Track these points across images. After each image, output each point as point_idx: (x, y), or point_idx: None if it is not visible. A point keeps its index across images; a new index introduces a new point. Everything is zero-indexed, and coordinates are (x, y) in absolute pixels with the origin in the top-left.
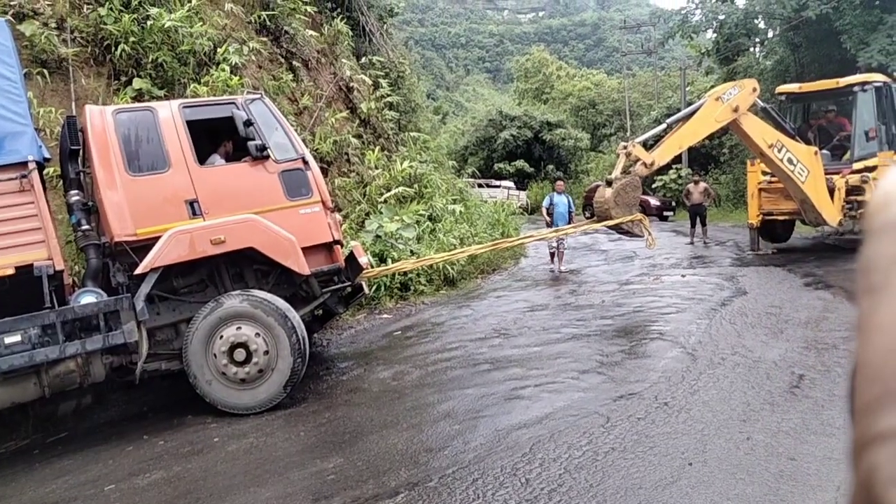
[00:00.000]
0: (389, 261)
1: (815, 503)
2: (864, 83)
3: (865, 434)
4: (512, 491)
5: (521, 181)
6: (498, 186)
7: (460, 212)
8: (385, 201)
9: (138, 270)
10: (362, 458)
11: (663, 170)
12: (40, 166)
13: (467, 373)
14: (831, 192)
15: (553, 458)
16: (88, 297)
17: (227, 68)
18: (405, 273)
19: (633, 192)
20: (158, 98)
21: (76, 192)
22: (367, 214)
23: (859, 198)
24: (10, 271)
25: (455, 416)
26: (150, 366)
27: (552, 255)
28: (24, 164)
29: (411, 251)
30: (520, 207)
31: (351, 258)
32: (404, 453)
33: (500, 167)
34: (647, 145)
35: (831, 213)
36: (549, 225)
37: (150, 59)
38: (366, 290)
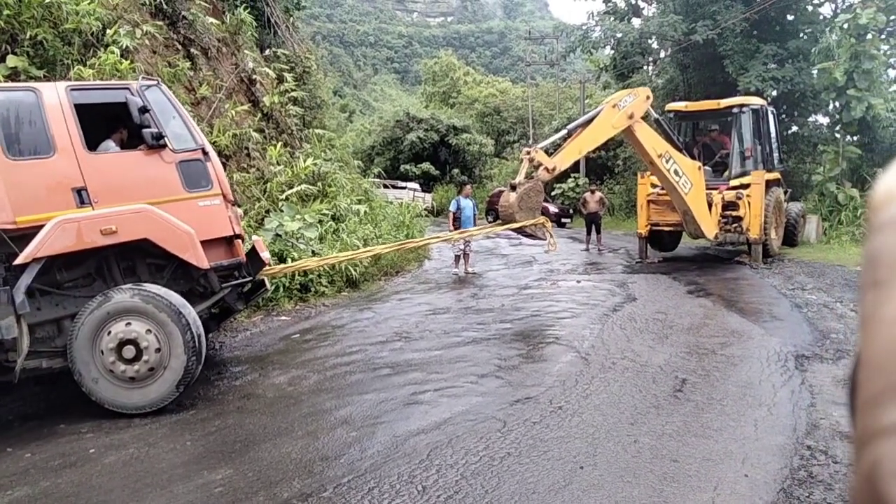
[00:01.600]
0: (290, 260)
1: (695, 503)
2: (742, 105)
3: (869, 428)
4: (408, 499)
5: (427, 184)
6: (404, 188)
7: (365, 212)
8: (286, 199)
9: (18, 261)
10: (253, 468)
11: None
12: None
13: (367, 377)
14: (710, 206)
15: (450, 465)
16: None
17: (117, 51)
18: (306, 273)
19: (536, 197)
20: (37, 79)
21: None
22: (268, 212)
23: (734, 213)
24: None
25: (353, 423)
26: (30, 363)
27: (457, 258)
28: None
29: (313, 251)
30: (425, 210)
31: (252, 253)
32: (298, 462)
33: (406, 169)
34: (549, 152)
35: (709, 226)
36: (454, 228)
37: (27, 36)
38: (267, 285)
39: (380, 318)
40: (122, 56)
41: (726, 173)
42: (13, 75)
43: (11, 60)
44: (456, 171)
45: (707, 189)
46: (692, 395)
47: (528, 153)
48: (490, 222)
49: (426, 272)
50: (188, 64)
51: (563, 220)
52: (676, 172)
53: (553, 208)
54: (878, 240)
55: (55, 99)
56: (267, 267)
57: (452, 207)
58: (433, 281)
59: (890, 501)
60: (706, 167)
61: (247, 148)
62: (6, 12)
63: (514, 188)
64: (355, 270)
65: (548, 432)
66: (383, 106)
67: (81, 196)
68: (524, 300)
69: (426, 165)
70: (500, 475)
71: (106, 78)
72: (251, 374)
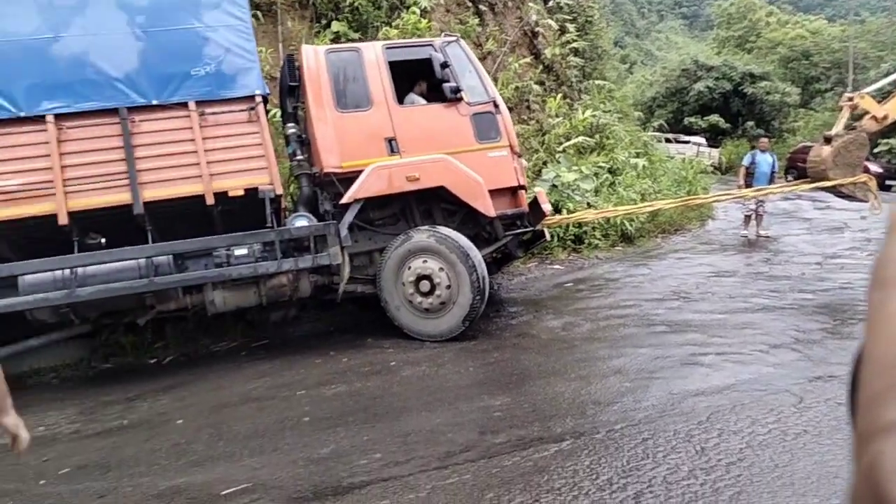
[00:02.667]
0: (564, 211)
1: None
2: None
3: (870, 425)
4: (685, 457)
5: (714, 138)
6: (687, 142)
7: (643, 166)
8: (564, 151)
9: (343, 200)
10: (528, 400)
11: (890, 131)
12: (264, 100)
13: (641, 332)
14: None
15: (733, 431)
16: (302, 221)
17: (417, 11)
18: (580, 225)
19: (858, 151)
20: (353, 40)
21: (292, 125)
22: (545, 163)
23: None
24: (240, 192)
25: (626, 374)
26: (349, 287)
27: (747, 217)
28: (252, 97)
29: (588, 203)
30: (710, 166)
31: (534, 204)
32: (571, 402)
33: (690, 121)
34: (877, 99)
35: None
36: (745, 186)
37: (347, 3)
38: (547, 236)
39: (655, 275)
40: (421, 16)
41: None
42: (336, 38)
43: (335, 26)
44: (750, 124)
45: None
46: None
47: (851, 99)
48: (790, 181)
49: (709, 232)
50: (477, 20)
51: (889, 181)
52: None
53: (875, 167)
54: (892, 244)
55: (373, 57)
56: (547, 218)
57: (746, 161)
58: (717, 242)
59: (890, 499)
60: None
61: (527, 100)
62: None
63: (828, 141)
64: (631, 225)
65: None
66: (667, 55)
67: (392, 145)
68: (831, 270)
69: (714, 118)
70: (794, 452)
71: (407, 36)
72: (526, 316)
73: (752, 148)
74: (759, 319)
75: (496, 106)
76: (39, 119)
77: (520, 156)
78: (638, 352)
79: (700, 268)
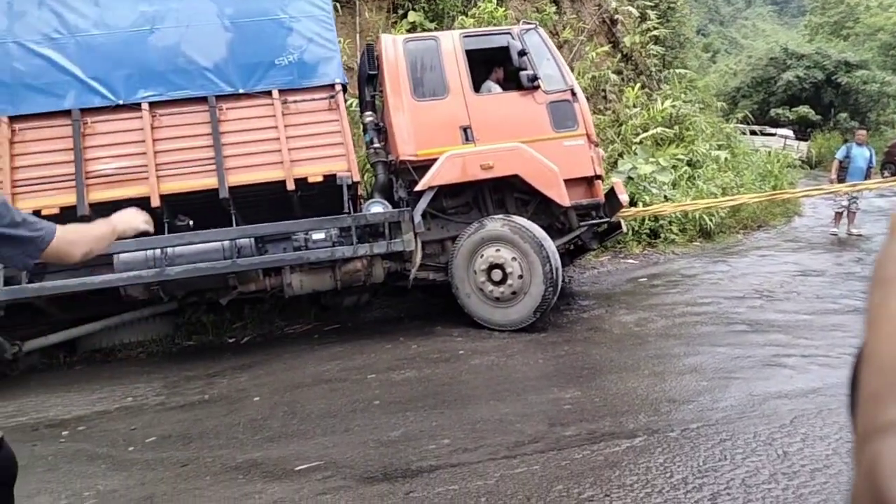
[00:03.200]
0: (640, 204)
1: None
2: None
3: (871, 424)
4: (766, 460)
5: (803, 130)
6: (773, 134)
7: (725, 159)
8: (640, 142)
9: (418, 187)
10: (599, 394)
11: None
12: (343, 88)
13: (720, 330)
14: None
15: (819, 436)
16: (377, 208)
17: (493, 0)
18: (656, 218)
19: None
20: (429, 30)
21: (370, 113)
22: (621, 155)
23: None
24: (319, 178)
25: (703, 372)
26: (420, 274)
27: (838, 215)
28: (332, 86)
29: (665, 196)
30: (798, 159)
31: (611, 194)
32: (644, 398)
33: (777, 113)
34: None
35: None
36: (837, 181)
37: None
38: (623, 228)
39: (736, 272)
40: (497, 4)
41: None
42: (412, 28)
43: (411, 16)
44: (843, 115)
45: None
46: None
47: None
48: (886, 176)
49: (795, 229)
50: (554, 8)
51: None
52: None
53: None
54: (893, 244)
55: (451, 46)
56: (623, 209)
57: (840, 155)
58: (803, 239)
59: (889, 498)
60: None
61: (604, 90)
62: None
63: None
64: (710, 220)
65: None
66: (754, 43)
67: (466, 134)
68: None
69: (803, 109)
70: None
71: (483, 25)
72: (598, 310)
73: (846, 141)
74: (850, 322)
75: (573, 94)
76: (135, 107)
77: (597, 145)
78: (716, 350)
79: (785, 266)
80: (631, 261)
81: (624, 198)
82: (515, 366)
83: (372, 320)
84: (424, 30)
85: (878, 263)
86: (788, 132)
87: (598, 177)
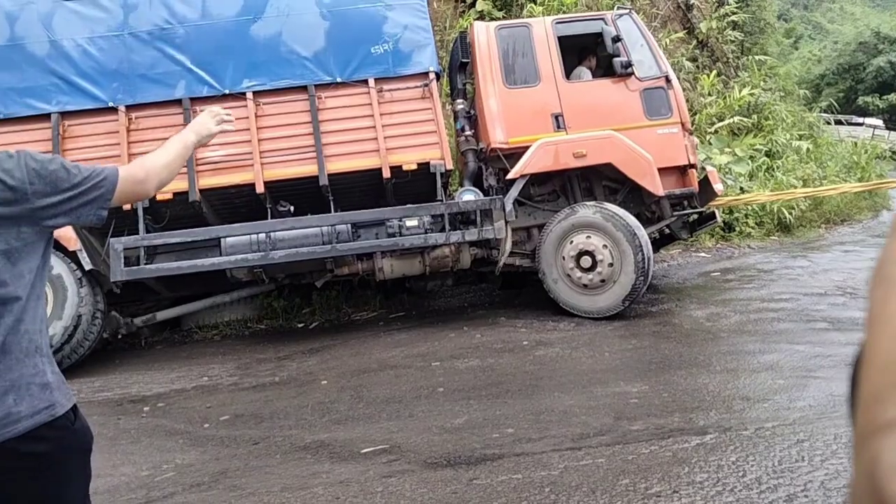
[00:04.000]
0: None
1: None
2: None
3: (871, 423)
4: (847, 463)
5: (894, 119)
6: (860, 124)
7: (807, 149)
8: (715, 132)
9: (510, 175)
10: (668, 389)
11: None
12: (437, 76)
13: (798, 328)
14: None
15: None
16: (469, 195)
17: None
18: (731, 211)
19: None
20: (497, 19)
21: (461, 101)
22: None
23: None
24: (413, 166)
25: (779, 370)
26: (507, 261)
27: None
28: (426, 74)
29: (741, 188)
30: (889, 150)
31: (705, 183)
32: (716, 395)
33: (866, 101)
34: None
35: None
36: None
37: None
38: (718, 218)
39: (817, 268)
40: None
41: None
42: (480, 18)
43: (479, 5)
44: None
45: None
46: None
47: None
48: None
49: (883, 224)
50: None
51: None
52: None
53: None
54: (894, 243)
55: (543, 32)
56: (717, 198)
57: None
58: None
59: (890, 496)
60: None
61: (678, 78)
62: None
63: None
64: (790, 213)
65: None
66: (841, 28)
67: (558, 121)
68: None
69: (895, 97)
70: None
71: (553, 13)
72: (667, 304)
73: None
74: None
75: (668, 81)
76: (240, 96)
77: (691, 133)
78: (794, 348)
79: (870, 262)
80: (703, 254)
81: (719, 187)
82: (581, 358)
83: (436, 309)
84: (492, 19)
85: (879, 262)
86: (878, 121)
87: (692, 165)
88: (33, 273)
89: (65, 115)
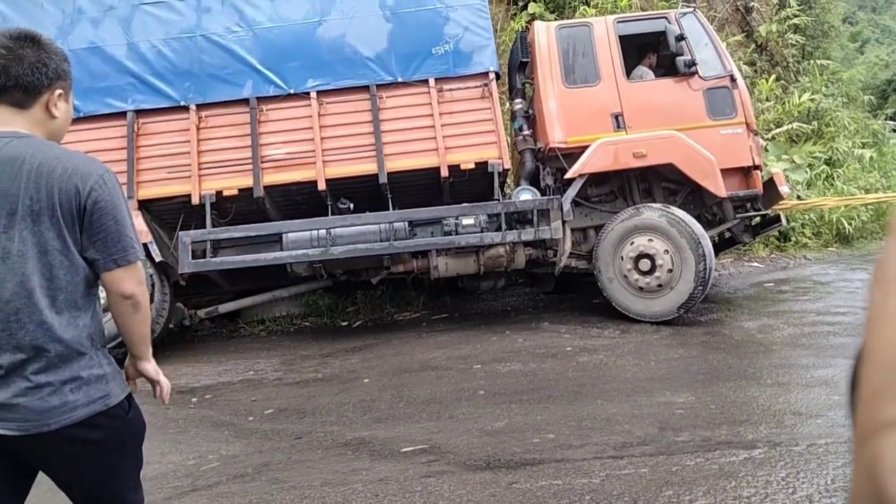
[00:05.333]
0: None
1: None
2: None
3: (871, 422)
4: None
5: None
6: None
7: (871, 158)
8: (773, 138)
9: (568, 175)
10: (716, 401)
11: None
12: (496, 76)
13: (855, 343)
14: None
15: None
16: (526, 195)
17: None
18: (787, 220)
19: None
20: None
21: (520, 100)
22: None
23: None
24: (471, 165)
25: (834, 386)
26: (562, 262)
27: None
28: (486, 74)
29: (798, 196)
30: None
31: (770, 185)
32: (766, 409)
33: None
34: None
35: None
36: None
37: None
38: (783, 222)
39: None
40: None
41: None
42: (531, 20)
43: (531, 7)
44: None
45: None
46: None
47: None
48: None
49: None
50: None
51: None
52: None
53: None
54: (894, 243)
55: (604, 32)
56: (783, 202)
57: None
58: None
59: (890, 495)
60: None
61: None
62: None
63: None
64: (850, 224)
65: None
66: None
67: (618, 121)
68: None
69: None
70: None
71: (606, 14)
72: (716, 314)
73: None
74: None
75: (733, 80)
76: (304, 95)
77: (756, 133)
78: (850, 364)
79: None
80: (756, 264)
81: (785, 189)
82: (625, 366)
83: (478, 312)
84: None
85: (878, 262)
86: None
87: (757, 167)
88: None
89: (139, 112)
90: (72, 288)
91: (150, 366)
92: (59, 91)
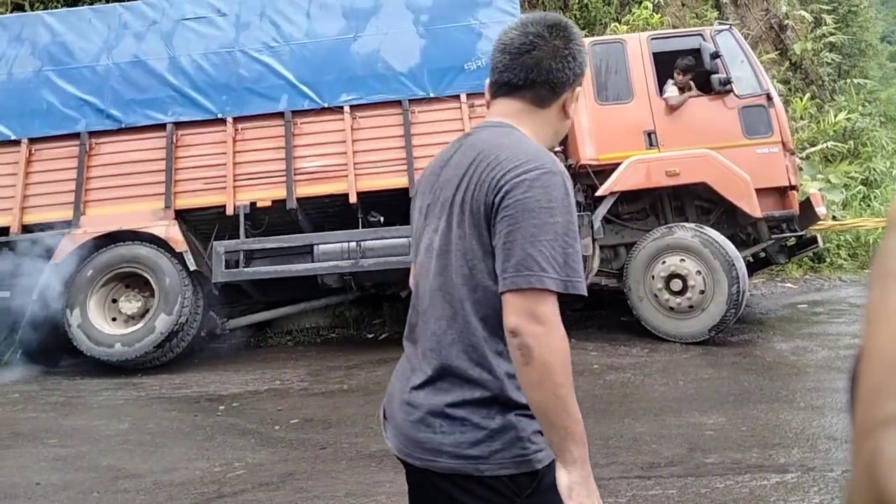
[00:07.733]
0: None
1: None
2: None
3: (870, 418)
4: None
5: None
6: None
7: None
8: (807, 157)
9: (599, 192)
10: (747, 423)
11: None
12: None
13: None
14: None
15: None
16: None
17: (650, 6)
18: (824, 240)
19: None
20: None
21: None
22: None
23: None
24: None
25: None
26: (593, 280)
27: None
28: None
29: (834, 217)
30: None
31: (806, 205)
32: (799, 433)
33: None
34: None
35: None
36: None
37: (576, 1)
38: (820, 243)
39: None
40: (654, 10)
41: None
42: None
43: None
44: None
45: None
46: None
47: None
48: None
49: None
50: (715, 14)
51: None
52: None
53: None
54: (892, 238)
55: (637, 49)
56: (820, 223)
57: None
58: None
59: (889, 491)
60: None
61: None
62: None
63: None
64: None
65: None
66: None
67: (651, 139)
68: None
69: None
70: None
71: (638, 31)
72: (748, 334)
73: None
74: None
75: (769, 98)
76: (338, 109)
77: (793, 153)
78: None
79: None
80: (789, 285)
81: (822, 210)
82: (653, 385)
83: None
84: None
85: (878, 258)
86: None
87: (794, 187)
88: None
89: (178, 125)
90: None
91: (563, 475)
92: (578, 89)
